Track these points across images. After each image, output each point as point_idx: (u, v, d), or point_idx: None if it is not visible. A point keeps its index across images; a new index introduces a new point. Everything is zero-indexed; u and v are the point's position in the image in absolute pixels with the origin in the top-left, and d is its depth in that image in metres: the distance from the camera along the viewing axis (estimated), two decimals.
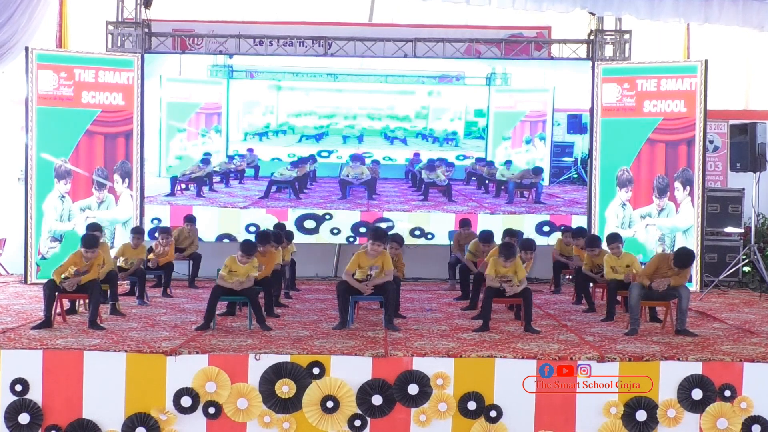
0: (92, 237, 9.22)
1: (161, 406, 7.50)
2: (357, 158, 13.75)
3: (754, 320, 10.01)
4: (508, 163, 13.74)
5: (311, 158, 13.78)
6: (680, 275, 8.83)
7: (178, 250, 12.22)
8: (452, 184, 13.86)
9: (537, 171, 13.72)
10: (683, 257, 8.78)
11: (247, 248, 9.11)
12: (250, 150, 13.76)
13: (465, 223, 12.64)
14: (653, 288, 8.78)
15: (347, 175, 13.77)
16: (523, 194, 13.81)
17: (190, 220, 12.71)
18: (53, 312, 8.82)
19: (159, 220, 13.42)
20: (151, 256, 11.38)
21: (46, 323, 8.67)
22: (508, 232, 11.29)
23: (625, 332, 8.80)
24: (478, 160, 13.82)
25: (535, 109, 13.80)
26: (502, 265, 9.18)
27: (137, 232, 11.21)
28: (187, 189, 13.70)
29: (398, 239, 10.75)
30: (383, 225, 13.41)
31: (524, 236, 12.31)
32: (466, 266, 11.48)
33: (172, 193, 13.60)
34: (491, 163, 13.76)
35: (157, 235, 11.81)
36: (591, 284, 10.74)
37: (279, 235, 10.89)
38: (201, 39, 13.91)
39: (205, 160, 13.66)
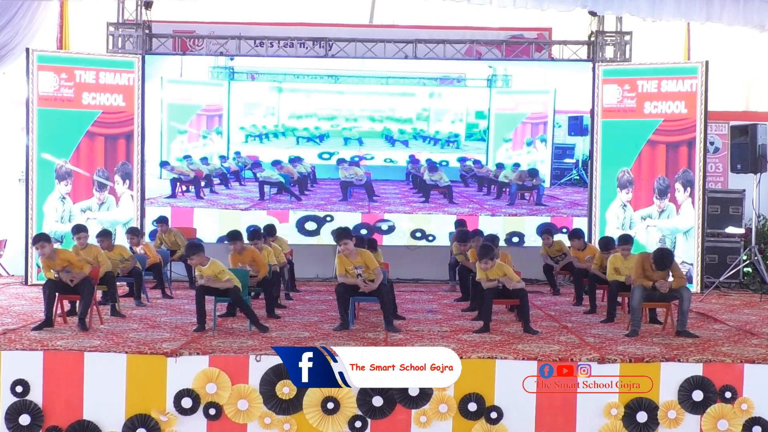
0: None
1: (162, 407, 7.50)
2: (342, 161, 13.73)
3: (754, 321, 10.01)
4: (515, 165, 13.76)
5: (297, 159, 13.75)
6: (677, 277, 8.84)
7: (171, 252, 12.21)
8: (453, 186, 13.86)
9: (533, 173, 13.70)
10: (661, 259, 8.75)
11: (188, 248, 9.18)
12: (237, 153, 13.75)
13: (460, 224, 12.62)
14: (657, 288, 8.77)
15: (345, 177, 13.76)
16: (523, 196, 13.81)
17: (160, 220, 12.58)
18: (54, 312, 8.83)
19: None
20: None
21: (47, 323, 8.68)
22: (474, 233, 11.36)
23: (626, 333, 8.80)
24: (498, 166, 13.81)
25: (536, 111, 13.80)
26: (488, 268, 9.09)
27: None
28: (187, 191, 13.70)
29: (372, 243, 10.70)
30: (384, 226, 13.44)
31: (525, 237, 12.35)
32: (466, 267, 11.46)
33: (173, 195, 13.60)
34: (500, 165, 13.79)
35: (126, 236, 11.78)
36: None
37: (257, 232, 10.84)
38: (201, 40, 13.93)
39: (188, 156, 13.67)
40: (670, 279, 8.85)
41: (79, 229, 10.04)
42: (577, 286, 11.43)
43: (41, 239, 8.95)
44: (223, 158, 13.71)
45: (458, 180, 13.86)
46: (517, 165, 13.72)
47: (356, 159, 13.75)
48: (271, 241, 11.27)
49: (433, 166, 13.77)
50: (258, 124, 13.78)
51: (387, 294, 9.13)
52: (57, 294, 8.88)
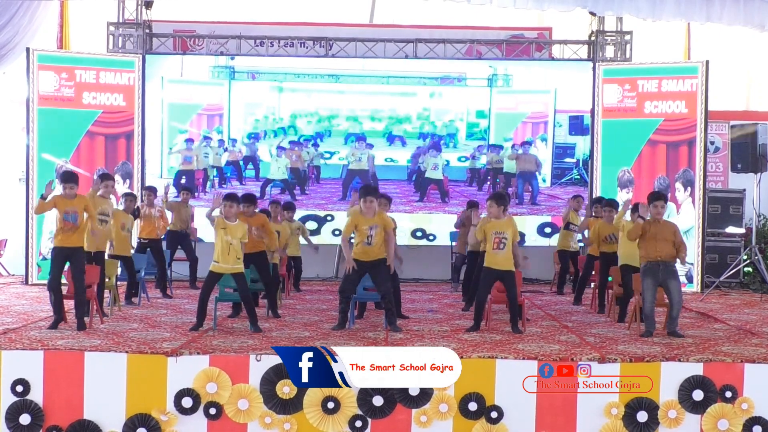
0: (69, 173, 9.04)
1: (162, 406, 7.50)
2: (361, 139, 13.71)
3: (755, 321, 10.01)
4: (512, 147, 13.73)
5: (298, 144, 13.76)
6: (670, 232, 8.82)
7: (178, 238, 12.18)
8: (454, 185, 13.86)
9: (526, 144, 13.72)
10: (654, 193, 9.08)
11: (230, 196, 9.07)
12: (254, 138, 13.72)
13: (473, 205, 12.40)
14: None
15: (349, 161, 13.70)
16: (515, 194, 13.76)
17: (188, 188, 12.49)
18: (62, 309, 8.84)
19: None
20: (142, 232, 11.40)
21: (60, 320, 8.74)
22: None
23: (641, 334, 8.76)
24: (491, 147, 13.77)
25: (537, 111, 13.80)
26: (495, 216, 8.97)
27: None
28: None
29: (387, 196, 10.41)
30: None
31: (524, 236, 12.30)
32: (471, 270, 11.20)
33: (179, 195, 13.53)
34: (495, 147, 13.78)
35: (143, 193, 11.77)
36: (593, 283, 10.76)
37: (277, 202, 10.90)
38: (202, 40, 13.93)
39: (189, 140, 13.64)
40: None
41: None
42: (577, 286, 11.43)
43: (71, 180, 8.76)
44: (233, 141, 13.70)
45: (458, 179, 13.86)
46: (513, 147, 13.77)
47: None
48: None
49: (437, 147, 13.72)
50: (259, 124, 13.78)
51: (389, 296, 9.06)
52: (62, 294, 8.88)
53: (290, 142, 13.74)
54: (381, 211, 9.00)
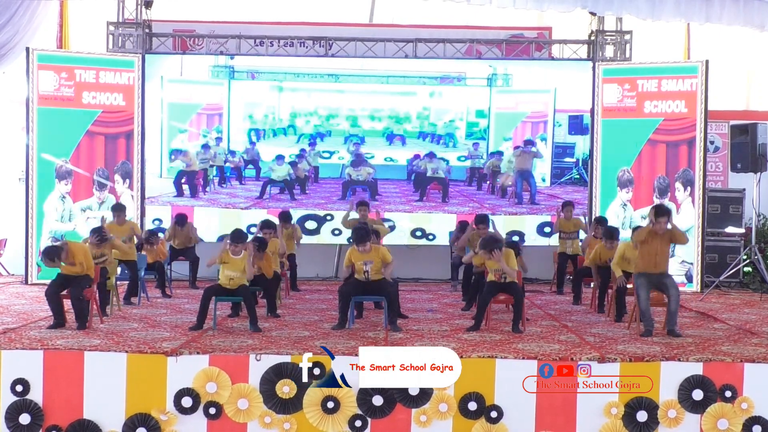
0: (47, 254, 8.95)
1: (162, 406, 7.51)
2: (359, 163, 13.72)
3: (754, 321, 10.01)
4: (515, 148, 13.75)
5: (301, 155, 13.75)
6: (668, 240, 8.87)
7: (180, 251, 12.20)
8: (454, 185, 13.85)
9: (528, 142, 13.66)
10: (659, 208, 8.98)
11: (237, 236, 9.08)
12: (253, 143, 13.73)
13: (466, 227, 12.49)
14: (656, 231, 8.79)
15: (349, 175, 13.74)
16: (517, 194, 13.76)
17: (181, 215, 12.48)
18: (63, 311, 8.85)
19: (160, 220, 13.41)
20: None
21: (60, 324, 8.74)
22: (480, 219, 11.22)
23: (641, 334, 8.75)
24: (492, 154, 13.77)
25: (537, 110, 13.79)
26: (490, 258, 9.11)
27: (118, 209, 11.43)
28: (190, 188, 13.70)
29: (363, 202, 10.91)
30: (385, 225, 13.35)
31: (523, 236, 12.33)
32: (469, 269, 11.23)
33: (179, 194, 13.55)
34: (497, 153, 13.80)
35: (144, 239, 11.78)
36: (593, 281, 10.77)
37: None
38: (202, 39, 13.92)
39: (206, 146, 13.66)
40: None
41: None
42: (575, 285, 11.43)
43: (49, 260, 8.83)
44: (232, 153, 13.70)
45: (458, 178, 13.86)
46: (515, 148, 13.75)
47: (366, 156, 13.72)
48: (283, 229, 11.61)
49: (432, 154, 13.72)
50: (258, 124, 13.79)
51: (393, 295, 9.14)
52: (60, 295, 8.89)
53: (296, 157, 13.74)
54: (377, 247, 9.21)
